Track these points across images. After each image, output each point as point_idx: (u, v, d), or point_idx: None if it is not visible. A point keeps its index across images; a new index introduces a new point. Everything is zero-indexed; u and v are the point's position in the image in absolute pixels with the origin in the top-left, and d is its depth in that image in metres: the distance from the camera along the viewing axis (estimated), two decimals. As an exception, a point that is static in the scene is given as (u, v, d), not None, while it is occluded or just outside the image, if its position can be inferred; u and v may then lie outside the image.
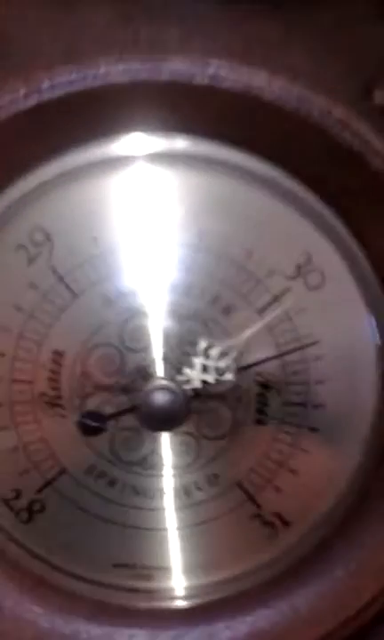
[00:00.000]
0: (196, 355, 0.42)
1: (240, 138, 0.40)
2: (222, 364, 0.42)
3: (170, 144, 0.42)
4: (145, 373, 0.43)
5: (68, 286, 0.42)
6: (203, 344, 0.42)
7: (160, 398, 0.42)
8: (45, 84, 0.34)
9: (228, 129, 0.40)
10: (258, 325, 0.42)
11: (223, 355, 0.42)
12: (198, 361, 0.42)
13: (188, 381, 0.42)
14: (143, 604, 0.45)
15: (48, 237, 0.42)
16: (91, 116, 0.38)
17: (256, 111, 0.38)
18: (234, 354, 0.42)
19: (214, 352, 0.42)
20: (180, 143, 0.42)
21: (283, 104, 0.37)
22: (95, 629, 0.43)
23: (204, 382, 0.42)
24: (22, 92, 0.36)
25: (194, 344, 0.42)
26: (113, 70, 0.35)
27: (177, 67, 0.36)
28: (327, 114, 0.37)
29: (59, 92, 0.35)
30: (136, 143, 0.42)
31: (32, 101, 0.34)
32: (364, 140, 0.37)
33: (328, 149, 0.39)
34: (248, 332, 0.42)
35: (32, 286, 0.42)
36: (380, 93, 0.38)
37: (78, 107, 0.36)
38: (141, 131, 0.41)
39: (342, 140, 0.38)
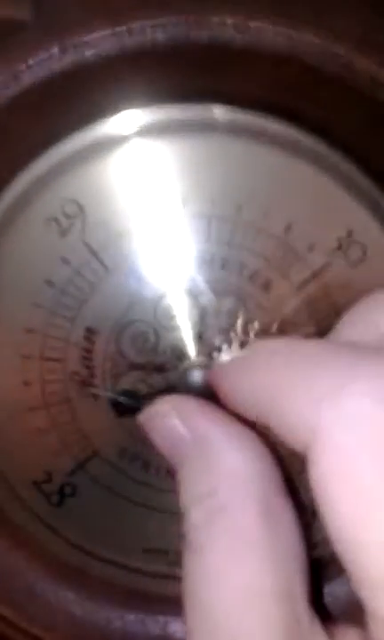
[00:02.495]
0: (233, 332, 0.41)
1: (282, 107, 0.39)
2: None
3: (208, 114, 0.40)
4: (180, 352, 0.41)
5: (101, 261, 0.41)
6: (241, 320, 0.40)
7: (197, 377, 0.40)
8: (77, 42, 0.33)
9: (270, 97, 0.38)
10: (297, 301, 0.41)
11: (262, 331, 0.40)
12: (236, 338, 0.40)
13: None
14: (178, 591, 0.43)
15: (81, 209, 0.40)
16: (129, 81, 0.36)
17: (297, 77, 0.36)
18: (273, 330, 0.40)
19: (252, 328, 0.40)
20: (219, 112, 0.40)
21: (325, 69, 0.36)
22: (128, 615, 0.42)
23: (242, 360, 0.40)
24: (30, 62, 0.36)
25: (231, 321, 0.41)
26: (148, 31, 0.33)
27: (214, 29, 0.34)
28: (373, 80, 0.36)
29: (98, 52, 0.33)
30: (164, 112, 0.40)
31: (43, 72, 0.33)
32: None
33: (373, 120, 0.37)
34: (287, 308, 0.41)
35: (64, 261, 0.41)
36: None
37: (115, 70, 0.35)
38: (174, 100, 0.39)
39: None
